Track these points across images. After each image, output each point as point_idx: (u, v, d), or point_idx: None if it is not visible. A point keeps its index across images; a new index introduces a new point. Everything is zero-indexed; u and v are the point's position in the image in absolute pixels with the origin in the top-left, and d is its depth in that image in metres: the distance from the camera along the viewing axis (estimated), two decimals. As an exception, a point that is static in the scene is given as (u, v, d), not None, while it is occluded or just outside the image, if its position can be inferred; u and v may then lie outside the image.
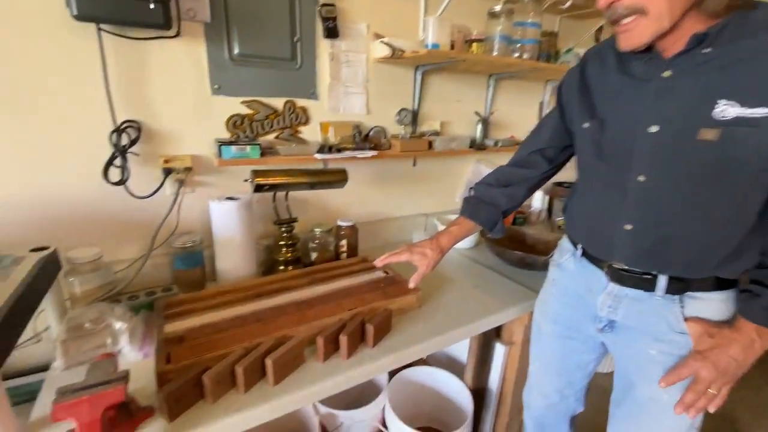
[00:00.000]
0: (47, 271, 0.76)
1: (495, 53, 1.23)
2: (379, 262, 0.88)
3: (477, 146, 1.42)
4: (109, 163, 0.87)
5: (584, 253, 0.77)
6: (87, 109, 0.85)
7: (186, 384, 0.61)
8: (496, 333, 1.15)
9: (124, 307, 0.82)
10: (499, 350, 1.17)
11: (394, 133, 1.29)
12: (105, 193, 0.90)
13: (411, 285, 0.87)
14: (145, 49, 0.89)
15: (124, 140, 0.89)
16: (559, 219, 1.61)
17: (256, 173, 0.87)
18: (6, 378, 0.88)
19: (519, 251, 1.12)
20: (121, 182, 0.88)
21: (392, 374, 1.19)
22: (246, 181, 0.90)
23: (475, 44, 1.24)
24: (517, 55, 1.28)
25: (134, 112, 0.90)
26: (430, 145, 1.29)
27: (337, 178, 1.00)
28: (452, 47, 1.17)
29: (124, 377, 0.53)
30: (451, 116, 1.43)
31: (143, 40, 0.87)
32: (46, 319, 0.83)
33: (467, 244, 1.35)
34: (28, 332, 0.85)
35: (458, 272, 1.17)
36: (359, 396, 1.19)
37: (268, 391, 0.67)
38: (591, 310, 0.75)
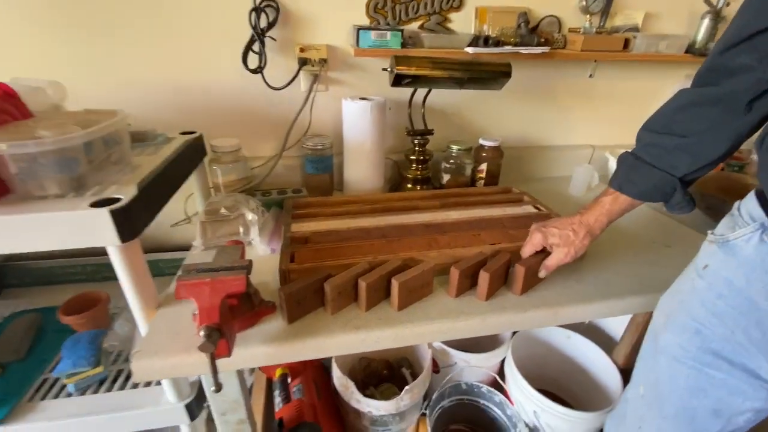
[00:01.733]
0: (193, 153, 0.77)
1: None
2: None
3: (698, 52, 0.98)
4: (248, 47, 0.82)
5: None
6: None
7: (307, 288, 0.55)
8: (676, 310, 0.86)
9: (257, 201, 0.81)
10: (674, 332, 0.88)
11: (573, 27, 0.95)
12: (243, 82, 0.86)
13: (541, 274, 0.63)
14: None
15: (263, 22, 0.81)
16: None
17: (398, 60, 0.71)
18: (165, 250, 1.01)
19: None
20: (259, 69, 0.83)
21: (519, 327, 1.02)
22: (385, 69, 0.75)
23: None
24: None
25: (273, -12, 0.80)
26: (627, 44, 0.92)
27: (496, 73, 0.76)
28: None
29: (246, 267, 0.48)
30: (662, 5, 1.00)
31: None
32: (195, 204, 0.89)
33: (651, 189, 1.00)
34: (181, 214, 0.93)
35: (640, 225, 0.87)
36: (473, 339, 1.07)
37: (390, 316, 0.57)
38: None
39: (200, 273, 0.47)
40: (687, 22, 1.03)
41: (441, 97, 0.98)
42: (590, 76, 1.04)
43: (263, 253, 0.71)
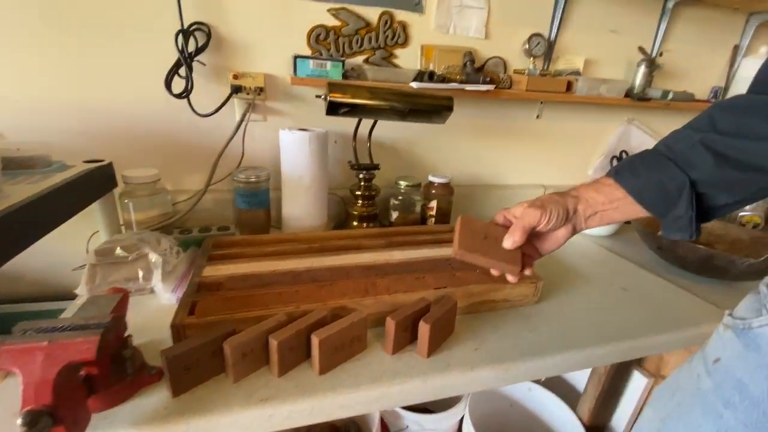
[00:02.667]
0: (94, 184, 0.67)
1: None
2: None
3: (636, 96, 1.01)
4: (174, 71, 0.74)
5: None
6: (152, 5, 0.72)
7: (201, 349, 0.44)
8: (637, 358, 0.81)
9: (172, 240, 0.70)
10: (638, 382, 0.82)
11: (518, 69, 0.96)
12: (167, 108, 0.78)
13: (507, 243, 0.45)
14: (221, -67, 0.72)
15: (191, 46, 0.75)
16: (747, 213, 1.12)
17: (332, 87, 0.65)
18: (69, 298, 0.85)
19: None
20: (184, 94, 0.75)
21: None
22: (318, 97, 0.69)
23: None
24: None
25: (205, 13, 0.75)
26: (570, 86, 0.94)
27: (437, 106, 0.73)
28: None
29: (106, 325, 0.37)
30: (601, 52, 1.04)
31: None
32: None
33: (603, 229, 0.98)
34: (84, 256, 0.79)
35: (595, 267, 0.83)
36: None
37: (311, 382, 0.46)
38: None
39: (39, 334, 0.35)
40: (625, 69, 1.08)
41: (389, 131, 0.94)
42: (537, 117, 1.05)
43: (167, 302, 0.59)
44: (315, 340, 0.46)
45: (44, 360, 0.33)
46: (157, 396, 0.43)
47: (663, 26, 1.06)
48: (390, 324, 0.51)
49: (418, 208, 0.92)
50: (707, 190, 0.40)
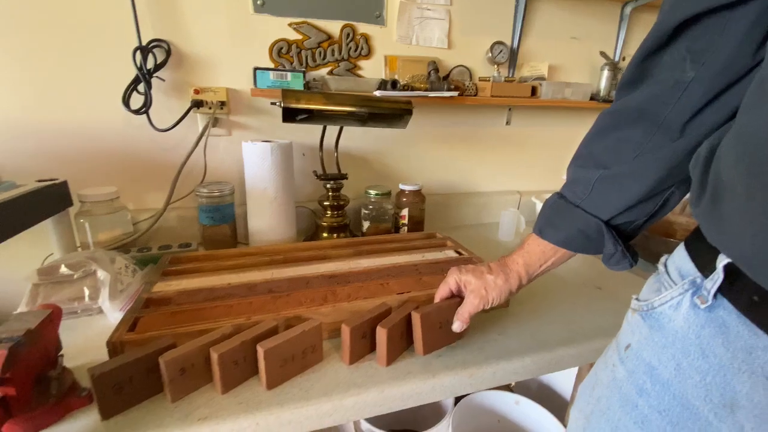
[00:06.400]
0: (48, 202, 0.65)
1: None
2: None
3: (601, 99, 1.03)
4: (132, 87, 0.74)
5: (731, 287, 0.29)
6: (108, 22, 0.72)
7: (134, 366, 0.40)
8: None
9: (129, 258, 0.68)
10: (624, 388, 0.78)
11: (483, 76, 0.97)
12: (127, 126, 0.77)
13: (455, 327, 0.50)
14: (178, -47, 0.73)
15: (150, 63, 0.74)
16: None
17: (287, 93, 0.65)
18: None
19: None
20: (143, 110, 0.74)
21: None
22: (273, 104, 0.68)
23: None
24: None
25: (163, 29, 0.75)
26: (534, 91, 0.95)
27: (396, 109, 0.72)
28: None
29: (20, 341, 0.34)
30: (564, 58, 1.06)
31: (175, -61, 0.72)
32: (56, 264, 0.73)
33: (579, 231, 0.97)
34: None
35: (568, 266, 0.80)
36: (410, 414, 0.91)
37: (258, 398, 0.43)
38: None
39: (-61, 353, 0.32)
40: (589, 73, 1.10)
41: (358, 142, 0.94)
42: (507, 123, 1.05)
43: (115, 321, 0.56)
44: (260, 351, 0.43)
45: (-62, 380, 0.30)
46: (86, 420, 0.40)
47: (623, 31, 1.09)
48: (345, 331, 0.48)
49: (389, 217, 0.90)
50: (622, 221, 0.42)
